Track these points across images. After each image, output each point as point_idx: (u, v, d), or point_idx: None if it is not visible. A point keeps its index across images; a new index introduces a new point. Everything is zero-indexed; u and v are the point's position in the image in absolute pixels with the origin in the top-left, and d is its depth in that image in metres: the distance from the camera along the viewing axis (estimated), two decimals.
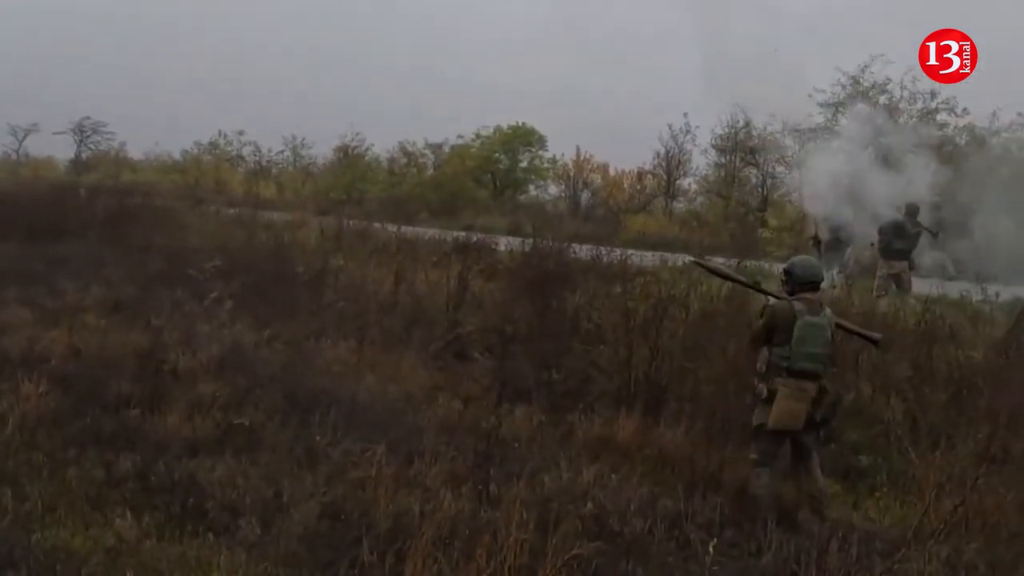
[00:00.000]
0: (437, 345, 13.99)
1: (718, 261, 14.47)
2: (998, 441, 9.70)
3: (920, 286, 19.25)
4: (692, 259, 10.52)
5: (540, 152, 55.41)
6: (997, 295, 14.89)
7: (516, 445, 9.78)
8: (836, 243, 22.32)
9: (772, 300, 8.90)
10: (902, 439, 10.63)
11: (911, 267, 19.79)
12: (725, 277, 9.85)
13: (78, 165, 63.17)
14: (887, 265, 19.74)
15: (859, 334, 9.44)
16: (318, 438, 9.14)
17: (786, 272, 8.80)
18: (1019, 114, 42.17)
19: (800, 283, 8.66)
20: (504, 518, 7.04)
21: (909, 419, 11.19)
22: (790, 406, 8.38)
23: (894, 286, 19.60)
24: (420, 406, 11.26)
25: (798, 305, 8.49)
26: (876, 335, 9.59)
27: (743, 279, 9.53)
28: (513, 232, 29.41)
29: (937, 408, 11.28)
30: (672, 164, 51.98)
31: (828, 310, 8.80)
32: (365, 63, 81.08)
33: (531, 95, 75.59)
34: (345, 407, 10.04)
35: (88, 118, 65.12)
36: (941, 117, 42.79)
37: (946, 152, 36.73)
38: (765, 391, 8.50)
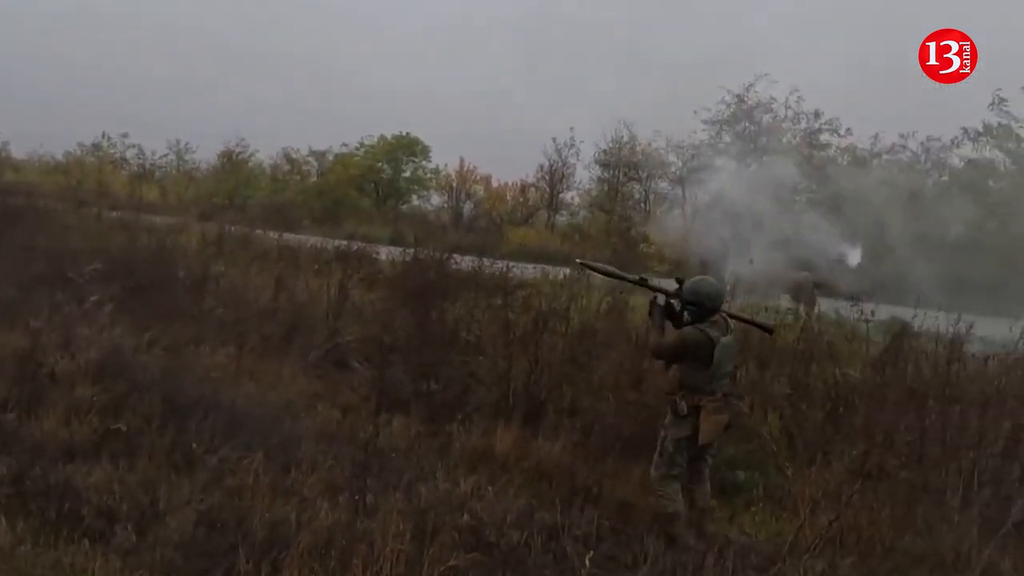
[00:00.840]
0: (317, 353, 13.90)
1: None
2: (873, 458, 9.87)
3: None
4: (578, 260, 10.47)
5: (423, 162, 55.43)
6: (873, 313, 15.15)
7: (394, 455, 9.82)
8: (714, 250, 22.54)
9: (660, 297, 8.86)
10: (779, 455, 10.81)
11: (818, 285, 19.95)
12: (610, 275, 9.79)
13: None
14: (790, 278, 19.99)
15: (752, 323, 9.57)
16: (195, 445, 9.04)
17: (692, 303, 8.60)
18: (901, 136, 43.21)
19: (711, 310, 8.61)
20: (381, 528, 7.06)
21: (786, 435, 11.37)
22: (717, 419, 8.40)
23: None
24: (298, 414, 11.17)
25: (713, 332, 8.42)
26: (768, 324, 9.72)
27: (629, 276, 9.50)
28: (395, 242, 29.37)
29: (814, 425, 11.46)
30: (555, 177, 52.27)
31: (731, 323, 8.80)
32: (253, 66, 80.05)
33: (417, 103, 75.36)
34: (223, 414, 9.92)
35: None
36: (824, 137, 43.68)
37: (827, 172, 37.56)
38: (686, 408, 8.42)
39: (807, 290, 19.79)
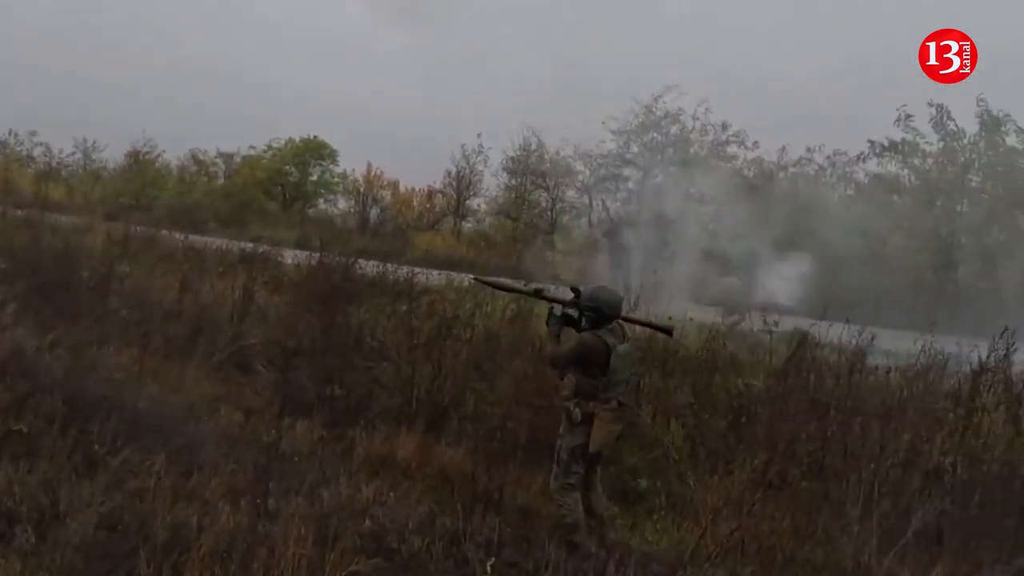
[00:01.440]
0: (220, 356, 13.80)
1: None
2: (775, 467, 9.98)
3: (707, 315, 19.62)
4: (473, 277, 10.52)
5: (331, 166, 55.22)
6: (776, 324, 15.33)
7: (296, 459, 9.73)
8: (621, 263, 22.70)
9: (557, 308, 8.81)
10: (681, 463, 10.86)
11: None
12: (507, 290, 9.83)
13: None
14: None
15: (651, 326, 9.57)
16: (97, 447, 8.87)
17: (591, 310, 8.57)
18: (808, 149, 43.89)
19: (610, 317, 8.63)
20: (282, 533, 7.02)
21: (689, 444, 11.46)
22: (610, 428, 8.39)
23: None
24: (201, 417, 11.02)
25: (610, 339, 8.41)
26: (668, 326, 9.73)
27: (525, 289, 9.50)
28: (301, 245, 29.27)
29: (716, 434, 11.58)
30: (463, 184, 52.23)
31: (628, 331, 8.82)
32: (162, 65, 79.00)
33: (326, 107, 74.80)
34: (126, 415, 9.74)
35: None
36: (731, 149, 44.19)
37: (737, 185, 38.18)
38: (580, 415, 8.39)
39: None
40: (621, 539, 8.92)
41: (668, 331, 9.63)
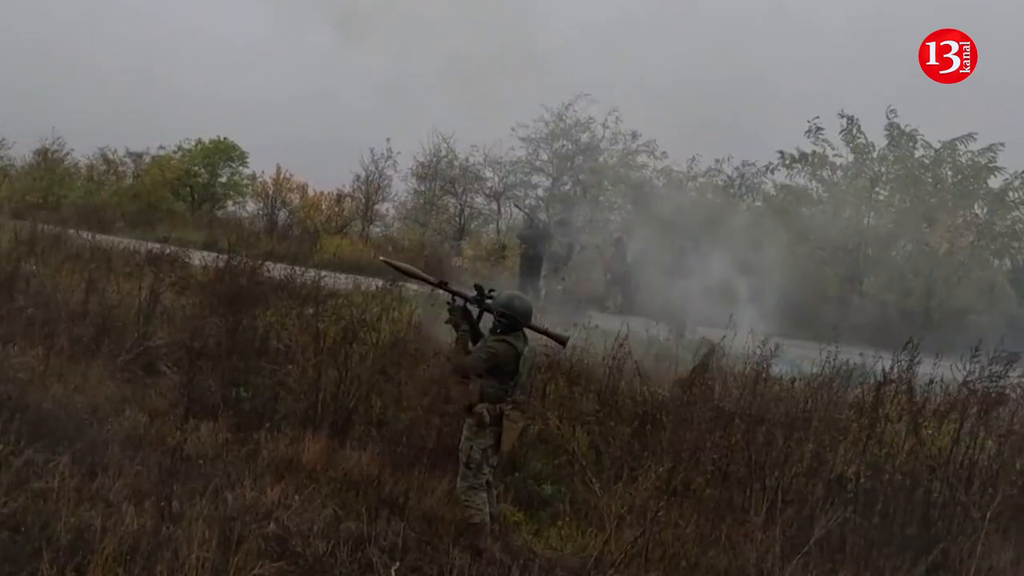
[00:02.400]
0: (126, 357, 13.58)
1: None
2: (679, 475, 10.08)
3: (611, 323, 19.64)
4: (382, 258, 10.49)
5: (240, 168, 54.61)
6: (683, 334, 15.46)
7: (201, 462, 9.64)
8: (532, 270, 22.65)
9: (459, 300, 9.04)
10: (586, 470, 10.87)
11: None
12: (412, 275, 9.81)
13: None
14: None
15: (547, 334, 9.56)
16: (0, 447, 8.77)
17: (505, 317, 8.76)
18: (717, 160, 44.12)
19: (523, 323, 8.79)
20: (186, 535, 6.98)
21: (594, 451, 11.51)
22: (516, 427, 8.58)
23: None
24: (106, 418, 10.86)
25: (519, 344, 8.63)
26: (563, 335, 9.80)
27: (431, 278, 9.53)
28: (209, 246, 28.88)
29: (621, 441, 11.60)
30: (371, 188, 51.85)
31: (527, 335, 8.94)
32: (73, 64, 77.71)
33: (236, 109, 73.97)
34: (30, 416, 9.59)
35: None
36: (641, 159, 44.23)
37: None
38: (488, 417, 8.52)
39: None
40: (525, 545, 8.98)
41: (563, 341, 9.72)
